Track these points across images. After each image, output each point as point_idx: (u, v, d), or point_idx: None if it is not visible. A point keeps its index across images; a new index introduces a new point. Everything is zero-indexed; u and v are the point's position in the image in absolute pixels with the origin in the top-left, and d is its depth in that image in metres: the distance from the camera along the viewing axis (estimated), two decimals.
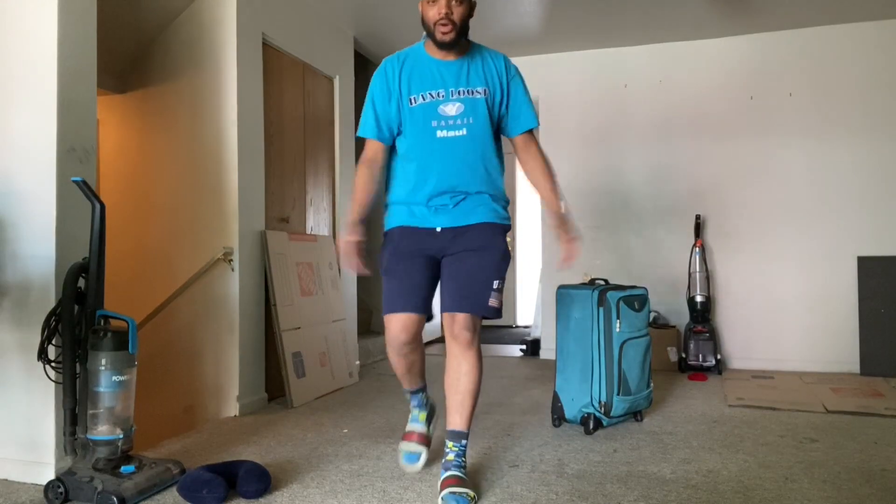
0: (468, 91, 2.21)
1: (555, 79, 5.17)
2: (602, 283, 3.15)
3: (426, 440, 2.47)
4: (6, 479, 2.37)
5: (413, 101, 2.21)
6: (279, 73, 3.89)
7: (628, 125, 5.00)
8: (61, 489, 2.12)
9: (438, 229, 2.25)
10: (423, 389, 2.51)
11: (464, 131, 2.20)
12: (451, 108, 2.20)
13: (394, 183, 2.34)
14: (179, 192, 3.53)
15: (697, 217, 4.67)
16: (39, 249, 2.35)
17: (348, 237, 2.24)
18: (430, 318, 2.31)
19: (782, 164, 4.67)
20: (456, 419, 2.22)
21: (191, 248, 3.45)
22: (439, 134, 2.21)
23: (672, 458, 2.58)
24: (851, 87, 4.54)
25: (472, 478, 2.29)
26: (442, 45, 2.17)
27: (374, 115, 2.26)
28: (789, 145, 4.66)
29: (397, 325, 2.22)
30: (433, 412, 2.57)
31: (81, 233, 2.35)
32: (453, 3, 2.11)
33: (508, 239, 2.33)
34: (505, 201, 2.34)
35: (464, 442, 2.24)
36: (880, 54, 4.49)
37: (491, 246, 2.24)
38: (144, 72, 3.65)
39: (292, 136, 4.03)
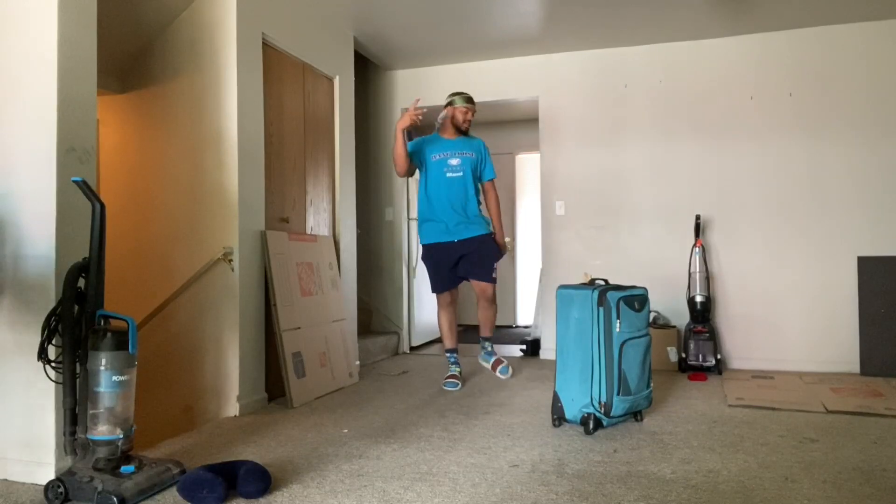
0: (462, 153, 4.04)
1: (555, 79, 5.18)
2: (602, 283, 3.14)
3: (461, 379, 4.08)
4: (6, 479, 2.37)
5: (434, 157, 4.04)
6: (279, 73, 3.89)
7: (628, 125, 5.00)
8: (61, 489, 2.12)
9: (456, 241, 3.99)
10: (455, 351, 4.22)
11: (461, 173, 4.01)
12: (455, 161, 4.02)
13: (420, 207, 4.12)
14: (179, 192, 3.53)
15: (697, 217, 4.67)
16: (39, 249, 2.35)
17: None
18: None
19: (782, 164, 4.67)
20: (485, 331, 4.21)
21: (191, 248, 3.45)
22: (448, 175, 4.01)
23: (672, 458, 2.58)
24: (851, 87, 4.54)
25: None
26: (462, 131, 4.11)
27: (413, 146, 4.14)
28: (789, 145, 4.66)
29: (442, 296, 4.17)
30: (461, 374, 4.18)
31: (81, 233, 2.35)
32: (469, 114, 4.09)
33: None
34: (486, 220, 4.12)
35: (490, 341, 4.28)
36: (880, 54, 4.49)
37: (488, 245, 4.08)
38: (144, 72, 3.65)
39: (292, 136, 4.03)
